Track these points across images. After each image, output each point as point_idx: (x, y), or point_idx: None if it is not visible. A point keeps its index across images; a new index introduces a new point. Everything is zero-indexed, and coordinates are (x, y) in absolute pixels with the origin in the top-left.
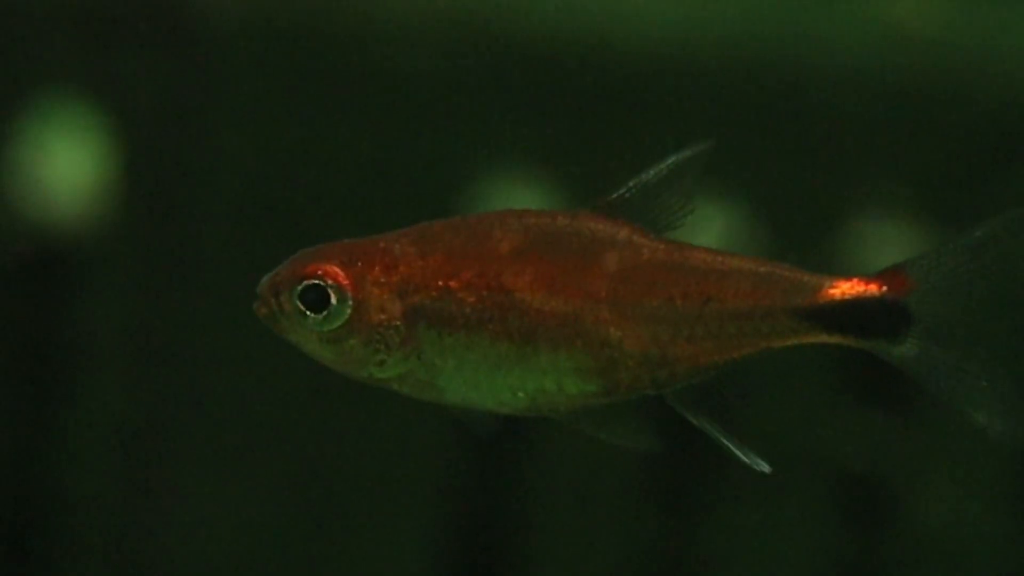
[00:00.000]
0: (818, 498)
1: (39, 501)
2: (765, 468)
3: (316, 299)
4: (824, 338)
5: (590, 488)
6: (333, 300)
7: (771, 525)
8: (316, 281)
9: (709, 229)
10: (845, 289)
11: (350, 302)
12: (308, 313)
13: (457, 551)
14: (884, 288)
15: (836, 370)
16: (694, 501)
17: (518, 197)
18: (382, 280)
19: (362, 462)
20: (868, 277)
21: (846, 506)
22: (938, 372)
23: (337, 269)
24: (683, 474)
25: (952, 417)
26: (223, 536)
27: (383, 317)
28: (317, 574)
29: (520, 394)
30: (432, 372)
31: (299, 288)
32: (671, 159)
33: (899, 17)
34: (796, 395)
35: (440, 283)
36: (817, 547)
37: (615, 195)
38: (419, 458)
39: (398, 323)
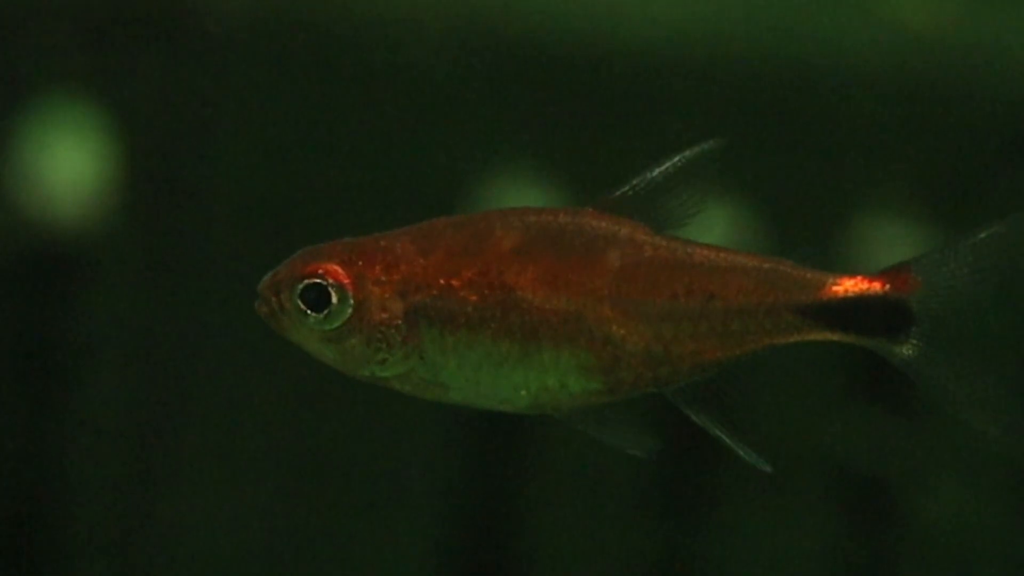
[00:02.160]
0: (821, 497)
1: (41, 500)
2: (767, 468)
3: (317, 298)
4: (827, 335)
5: (592, 487)
6: (334, 299)
7: (774, 524)
8: (317, 280)
9: (712, 227)
10: (848, 287)
11: (351, 301)
12: (309, 312)
13: (459, 551)
14: (887, 287)
15: (840, 368)
16: (696, 500)
17: (521, 196)
18: (383, 279)
19: (364, 461)
20: (871, 275)
21: (850, 505)
22: (938, 373)
23: (338, 268)
24: (685, 473)
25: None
26: (226, 535)
27: (384, 316)
28: (318, 574)
29: (523, 392)
30: (434, 371)
31: (300, 287)
32: (678, 157)
33: (905, 16)
34: (799, 393)
35: (441, 281)
36: (820, 547)
37: (619, 192)
38: (421, 457)
39: (399, 322)
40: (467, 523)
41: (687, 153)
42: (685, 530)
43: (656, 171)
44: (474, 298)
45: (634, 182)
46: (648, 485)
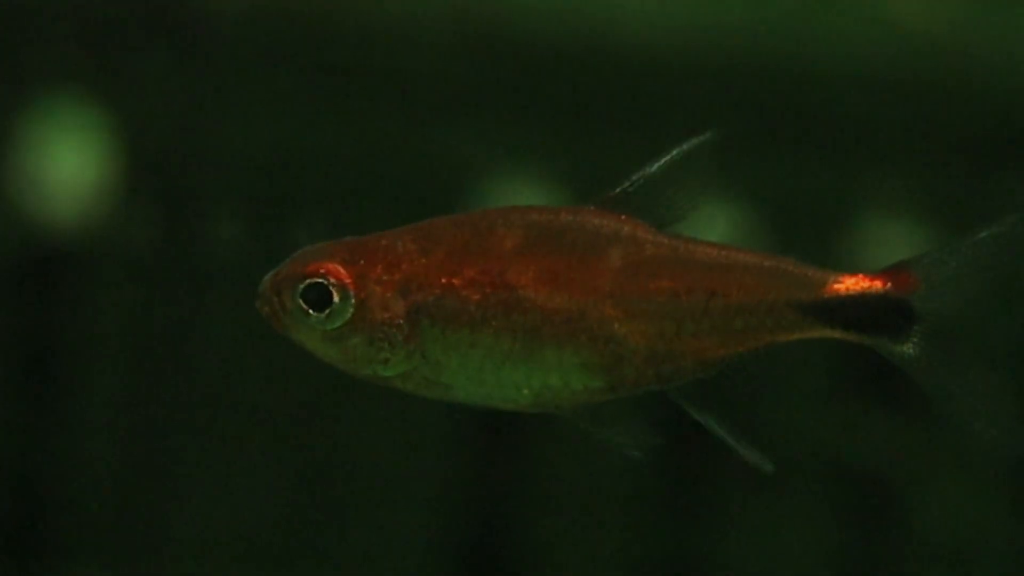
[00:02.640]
0: (821, 497)
1: (41, 497)
2: (769, 467)
3: (319, 297)
4: (828, 333)
5: (592, 485)
6: (336, 298)
7: (773, 524)
8: (319, 279)
9: (713, 226)
10: (849, 285)
11: (352, 300)
12: (311, 312)
13: (459, 549)
14: (888, 285)
15: (841, 367)
16: (696, 499)
17: (522, 195)
18: (385, 278)
19: (364, 460)
20: (873, 274)
21: (849, 505)
22: (939, 372)
23: (339, 267)
24: (685, 472)
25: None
26: (225, 530)
27: (386, 315)
28: (318, 569)
29: (525, 391)
30: (436, 370)
31: (301, 286)
32: (675, 151)
33: (904, 15)
34: (800, 393)
35: (443, 280)
36: (820, 547)
37: (619, 190)
38: (422, 453)
39: (401, 321)
40: (467, 521)
41: (684, 146)
42: (684, 529)
43: (655, 166)
44: (476, 297)
45: (633, 178)
46: (648, 483)
